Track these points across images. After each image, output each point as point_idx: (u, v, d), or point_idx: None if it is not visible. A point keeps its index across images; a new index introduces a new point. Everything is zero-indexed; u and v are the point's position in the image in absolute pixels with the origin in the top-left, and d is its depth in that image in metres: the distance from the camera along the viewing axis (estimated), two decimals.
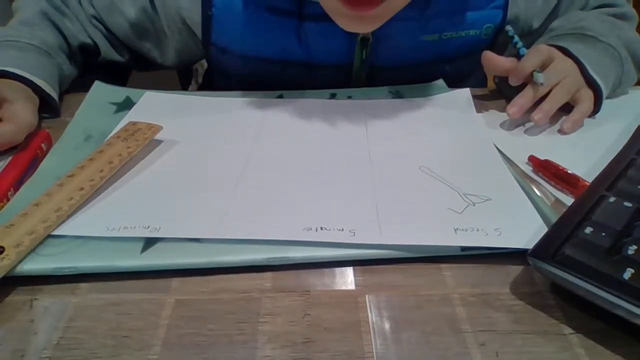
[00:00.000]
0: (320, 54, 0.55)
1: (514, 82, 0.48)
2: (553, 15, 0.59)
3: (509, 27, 0.53)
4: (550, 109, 0.46)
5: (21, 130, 0.40)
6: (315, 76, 0.56)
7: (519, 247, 0.31)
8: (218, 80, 0.65)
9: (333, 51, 0.55)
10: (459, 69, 0.59)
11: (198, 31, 0.55)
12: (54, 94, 0.47)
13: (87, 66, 0.57)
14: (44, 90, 0.45)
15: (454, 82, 0.55)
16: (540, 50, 0.48)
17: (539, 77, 0.46)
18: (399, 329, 0.27)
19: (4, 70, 0.43)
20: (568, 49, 0.49)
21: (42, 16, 0.52)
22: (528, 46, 0.55)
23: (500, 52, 0.52)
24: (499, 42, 0.58)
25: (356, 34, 0.53)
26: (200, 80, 1.10)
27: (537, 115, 0.45)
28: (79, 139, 0.43)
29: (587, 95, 0.47)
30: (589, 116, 0.48)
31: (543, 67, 0.48)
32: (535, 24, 0.59)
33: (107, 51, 0.57)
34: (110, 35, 0.56)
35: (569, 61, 0.48)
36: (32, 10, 0.52)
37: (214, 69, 0.64)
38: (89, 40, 0.55)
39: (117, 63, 0.59)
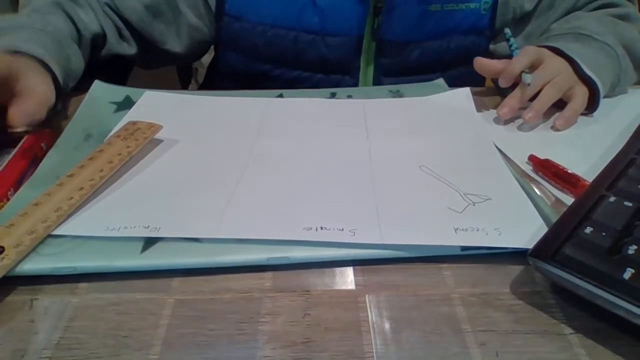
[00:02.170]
0: (334, 20, 0.56)
1: (502, 83, 0.49)
2: None
3: (507, 29, 0.54)
4: (540, 108, 0.47)
5: (40, 104, 0.39)
6: (328, 46, 0.58)
7: (519, 247, 0.31)
8: (226, 58, 0.65)
9: (346, 18, 0.56)
10: (463, 47, 0.60)
11: (212, 0, 0.56)
12: (60, 75, 0.44)
13: (90, 63, 0.56)
14: (53, 73, 0.43)
15: (459, 62, 0.55)
16: (528, 52, 0.49)
17: (527, 78, 0.47)
18: (399, 329, 0.27)
19: (15, 51, 0.41)
20: (561, 48, 0.49)
21: (54, 6, 0.51)
22: (519, 33, 0.57)
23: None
24: (498, 25, 0.60)
25: (369, 0, 0.54)
26: (200, 79, 1.10)
27: (527, 114, 0.46)
28: (79, 138, 0.43)
29: (580, 92, 0.48)
30: (587, 114, 0.49)
31: (533, 68, 0.48)
32: (527, 6, 0.60)
33: (114, 43, 0.56)
34: (122, 23, 0.56)
35: (561, 60, 0.49)
36: (45, 1, 0.51)
37: (224, 44, 0.64)
38: (100, 31, 0.54)
39: (120, 58, 0.58)
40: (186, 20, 0.58)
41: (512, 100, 0.47)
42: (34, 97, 0.39)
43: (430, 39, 0.59)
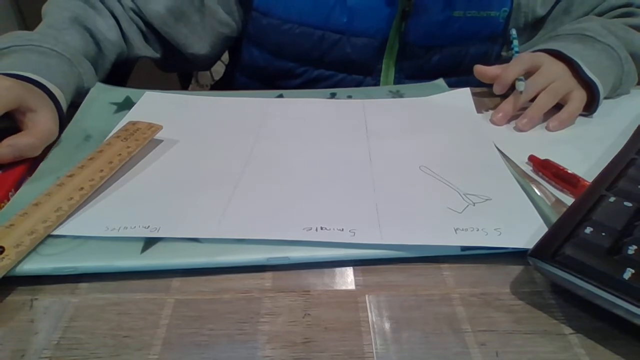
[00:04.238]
0: (361, 21, 0.57)
1: (497, 90, 0.50)
2: (561, 3, 0.60)
3: (513, 30, 0.55)
4: (535, 114, 0.47)
5: (41, 142, 0.38)
6: (353, 46, 0.58)
7: (519, 247, 0.31)
8: (250, 54, 0.65)
9: (374, 19, 0.56)
10: (480, 53, 0.62)
11: None
12: (64, 105, 0.44)
13: (116, 67, 0.56)
14: (57, 100, 0.42)
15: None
16: (523, 59, 0.49)
17: (520, 86, 0.47)
18: (399, 329, 0.27)
19: (21, 75, 0.41)
20: (562, 51, 0.49)
21: (71, 21, 0.51)
22: (531, 37, 0.58)
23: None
24: (507, 30, 0.60)
25: (397, 3, 0.55)
26: (200, 81, 1.10)
27: (521, 121, 0.47)
28: (79, 138, 0.43)
29: (577, 96, 0.48)
30: (586, 115, 0.49)
31: (529, 75, 0.49)
32: (540, 11, 0.60)
33: (140, 47, 0.57)
34: (146, 28, 0.57)
35: (560, 65, 0.49)
36: (61, 15, 0.51)
37: (249, 40, 0.64)
38: (120, 38, 0.55)
39: (128, 60, 0.58)
40: (215, 17, 0.58)
41: (507, 106, 0.48)
42: (36, 134, 0.38)
43: (451, 44, 0.60)
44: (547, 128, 0.47)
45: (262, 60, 0.63)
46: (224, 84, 0.76)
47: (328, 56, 0.60)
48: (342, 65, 0.61)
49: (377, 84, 0.62)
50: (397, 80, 0.62)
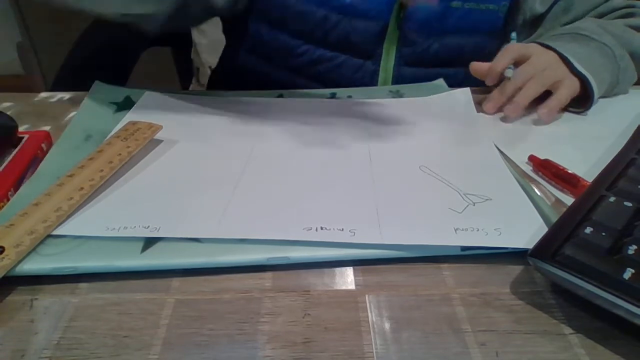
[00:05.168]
0: (364, 2, 0.57)
1: (488, 82, 0.50)
2: (561, 2, 0.60)
3: (513, 34, 0.55)
4: (521, 100, 0.47)
5: None
6: (354, 28, 0.58)
7: (519, 247, 0.31)
8: (255, 30, 0.64)
9: (376, 1, 0.57)
10: (480, 47, 0.62)
11: None
12: None
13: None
14: None
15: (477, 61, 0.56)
16: (512, 49, 0.50)
17: (508, 72, 0.48)
18: (399, 329, 0.27)
19: None
20: (552, 45, 0.50)
21: None
22: (530, 34, 0.58)
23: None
24: (509, 27, 0.61)
25: None
26: (201, 79, 1.10)
27: (508, 108, 0.47)
28: (79, 138, 0.43)
29: (567, 84, 0.48)
30: (582, 112, 0.49)
31: (518, 65, 0.49)
32: (540, 8, 0.61)
33: None
34: None
35: (551, 54, 0.50)
36: None
37: (255, 14, 0.64)
38: None
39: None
40: None
41: (496, 94, 0.48)
42: None
43: (449, 35, 0.60)
44: (538, 116, 0.47)
45: (265, 37, 0.63)
46: (224, 67, 0.75)
47: (330, 36, 0.60)
48: (343, 46, 0.61)
49: (377, 68, 0.62)
50: (397, 67, 0.62)
